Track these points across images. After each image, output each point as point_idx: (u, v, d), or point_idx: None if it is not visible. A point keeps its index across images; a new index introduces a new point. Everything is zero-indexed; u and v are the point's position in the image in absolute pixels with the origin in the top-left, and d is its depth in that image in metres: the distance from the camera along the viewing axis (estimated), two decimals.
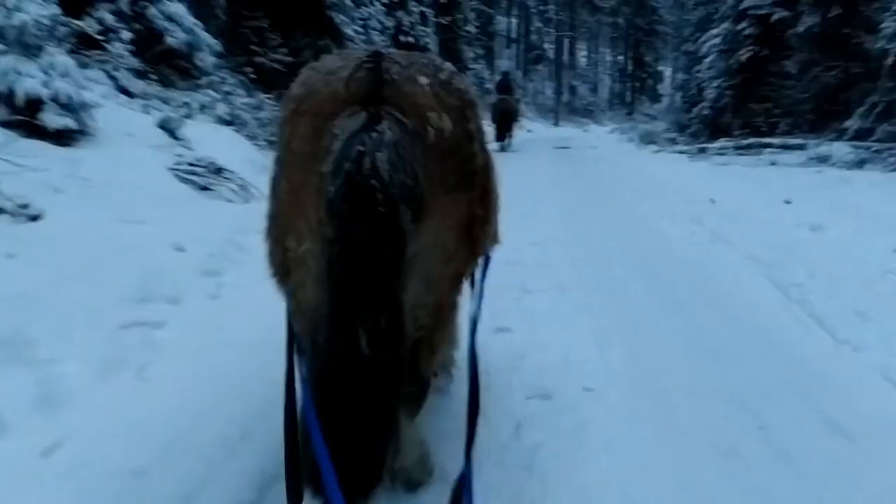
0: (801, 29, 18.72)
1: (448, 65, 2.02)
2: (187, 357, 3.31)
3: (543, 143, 23.58)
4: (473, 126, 1.91)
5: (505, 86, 20.12)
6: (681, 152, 18.79)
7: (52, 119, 5.90)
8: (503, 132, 18.90)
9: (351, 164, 1.54)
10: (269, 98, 10.90)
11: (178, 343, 3.45)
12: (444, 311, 2.05)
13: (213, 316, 3.95)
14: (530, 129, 29.39)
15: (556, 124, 39.07)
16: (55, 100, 5.87)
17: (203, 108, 9.25)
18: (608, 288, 5.02)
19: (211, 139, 8.26)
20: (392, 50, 2.12)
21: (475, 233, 1.99)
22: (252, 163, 8.41)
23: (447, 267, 1.92)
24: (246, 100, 10.28)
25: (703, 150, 18.30)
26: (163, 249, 4.51)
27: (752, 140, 18.37)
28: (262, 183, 8.31)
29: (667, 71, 48.27)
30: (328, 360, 1.65)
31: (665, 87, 49.02)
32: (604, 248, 6.35)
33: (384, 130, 1.58)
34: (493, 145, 21.98)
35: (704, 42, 25.73)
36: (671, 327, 4.13)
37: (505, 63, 38.33)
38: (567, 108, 44.76)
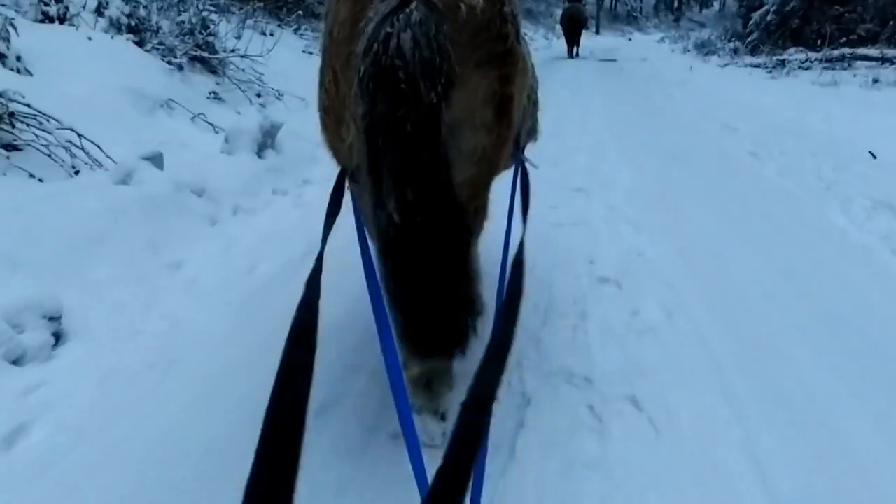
0: None
1: None
2: None
3: (585, 54, 19.54)
4: (507, 10, 1.78)
5: None
6: (754, 66, 14.72)
7: None
8: (572, 39, 18.76)
9: (378, 45, 1.51)
10: None
11: None
12: (480, 190, 1.95)
13: None
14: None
15: (597, 32, 34.18)
16: None
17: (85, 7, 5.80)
18: None
19: (69, 60, 4.84)
20: None
21: (510, 111, 1.84)
22: (140, 97, 4.99)
23: (486, 138, 1.81)
24: None
25: (782, 64, 14.21)
26: None
27: (843, 51, 14.19)
28: (155, 133, 4.95)
29: None
30: (378, 231, 1.66)
31: None
32: (744, 292, 2.93)
33: (412, 11, 1.53)
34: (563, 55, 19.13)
35: None
36: None
37: None
38: (609, 16, 39.50)
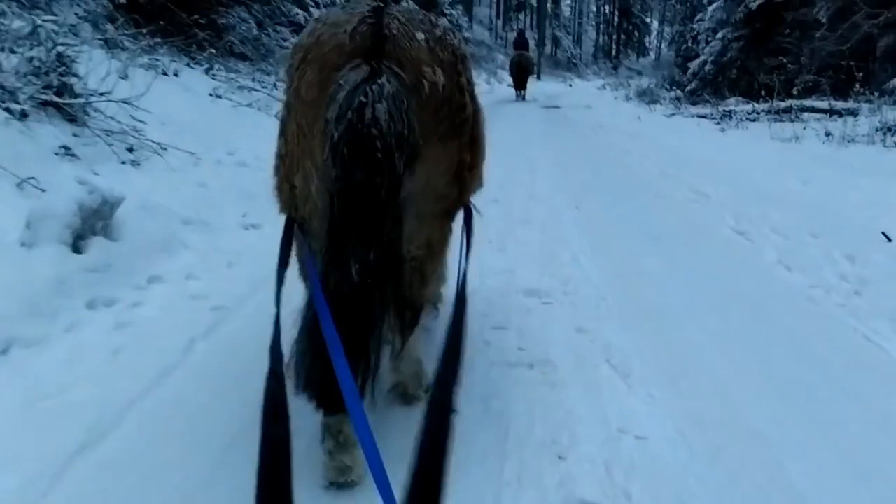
0: None
1: (443, 21, 1.95)
2: None
3: (530, 98, 18.74)
4: (465, 79, 1.86)
5: (521, 42, 20.83)
6: (700, 116, 14.01)
7: None
8: (520, 84, 19.76)
9: (353, 113, 1.55)
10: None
11: None
12: (434, 246, 2.04)
13: None
14: (511, 84, 24.53)
15: (538, 78, 33.72)
16: None
17: None
18: None
19: None
20: (392, 5, 1.89)
21: (464, 176, 1.95)
22: None
23: (437, 206, 1.91)
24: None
25: (729, 115, 13.54)
26: None
27: (791, 103, 13.61)
28: None
29: (653, 23, 42.76)
30: (328, 281, 1.63)
31: (651, 40, 43.63)
32: None
33: (384, 83, 1.58)
34: (514, 94, 20.00)
35: None
36: None
37: (484, 11, 33.09)
38: (550, 62, 39.23)
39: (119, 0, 8.52)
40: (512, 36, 37.73)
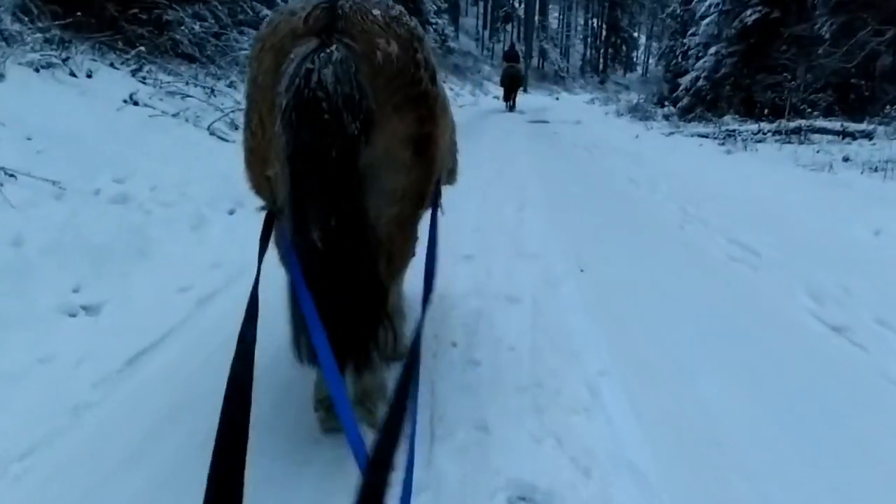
0: None
1: (399, 6, 1.91)
2: None
3: (515, 113, 17.24)
4: (421, 56, 1.81)
5: (512, 54, 20.62)
6: (701, 135, 12.53)
7: None
8: (509, 94, 19.66)
9: (300, 80, 1.53)
10: None
11: None
12: (405, 225, 1.97)
13: None
14: (497, 96, 23.08)
15: (525, 90, 32.30)
16: None
17: None
18: None
19: None
20: None
21: (430, 151, 1.86)
22: None
23: (406, 179, 1.83)
24: None
25: (732, 135, 12.06)
26: None
27: (799, 122, 12.16)
28: None
29: (641, 38, 41.50)
30: (299, 256, 1.59)
31: (639, 55, 42.38)
32: None
33: (332, 51, 1.55)
34: (501, 106, 17.89)
35: (702, 1, 19.89)
36: None
37: (471, 21, 31.75)
38: (537, 74, 37.72)
39: None
40: (499, 47, 36.46)
